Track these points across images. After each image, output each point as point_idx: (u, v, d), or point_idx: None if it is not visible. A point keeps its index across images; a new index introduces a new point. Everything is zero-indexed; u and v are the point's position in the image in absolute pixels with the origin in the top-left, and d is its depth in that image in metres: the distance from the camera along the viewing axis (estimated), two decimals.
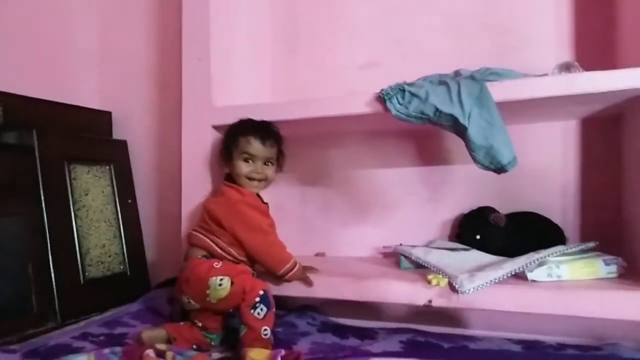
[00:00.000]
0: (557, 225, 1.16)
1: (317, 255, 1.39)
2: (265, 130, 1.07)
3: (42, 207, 1.15)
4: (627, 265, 0.98)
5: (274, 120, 1.11)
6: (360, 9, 1.39)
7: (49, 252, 1.14)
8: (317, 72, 1.43)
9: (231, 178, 1.09)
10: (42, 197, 1.16)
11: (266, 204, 1.11)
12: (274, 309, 0.94)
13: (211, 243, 1.02)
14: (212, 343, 1.00)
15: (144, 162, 1.51)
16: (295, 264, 1.04)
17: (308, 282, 1.06)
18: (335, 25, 1.42)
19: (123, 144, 1.48)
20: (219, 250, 1.02)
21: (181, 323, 1.02)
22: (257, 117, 1.11)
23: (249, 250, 1.03)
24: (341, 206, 1.40)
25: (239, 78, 1.31)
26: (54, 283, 1.13)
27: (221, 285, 0.92)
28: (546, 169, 1.21)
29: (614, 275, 0.97)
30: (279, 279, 1.05)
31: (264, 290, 0.93)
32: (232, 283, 0.93)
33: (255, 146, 1.04)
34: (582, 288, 0.91)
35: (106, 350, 0.80)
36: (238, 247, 1.03)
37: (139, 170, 1.50)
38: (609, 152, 1.16)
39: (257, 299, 0.91)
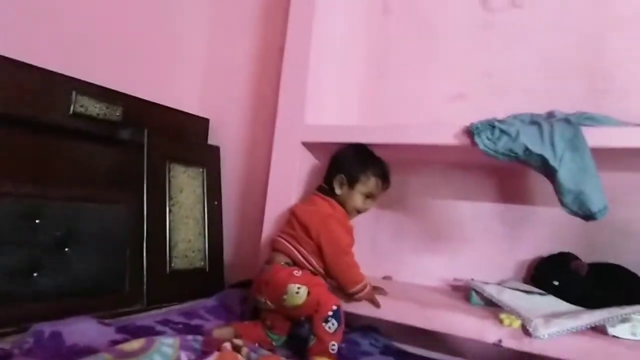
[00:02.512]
0: None
1: (384, 278, 1.41)
2: (389, 178, 1.17)
3: (143, 199, 1.28)
4: None
5: (361, 141, 1.16)
6: (454, 42, 1.41)
7: (144, 240, 1.25)
8: (404, 99, 1.46)
9: (324, 190, 1.15)
10: (145, 190, 1.28)
11: (351, 225, 1.16)
12: (343, 325, 0.97)
13: (295, 251, 1.08)
14: (274, 343, 1.05)
15: (234, 168, 1.62)
16: (366, 286, 1.08)
17: (376, 304, 1.09)
18: (426, 55, 1.45)
19: (216, 149, 1.60)
20: (301, 259, 1.07)
21: (247, 322, 1.08)
22: (345, 137, 1.17)
23: (327, 264, 1.08)
24: (414, 233, 1.41)
25: (330, 98, 1.38)
26: (144, 269, 1.24)
27: (298, 293, 0.97)
28: (637, 221, 1.16)
29: None
30: (349, 296, 1.08)
31: (337, 305, 0.97)
32: (308, 293, 0.97)
33: (379, 190, 1.16)
34: None
35: (189, 337, 0.87)
36: (318, 257, 1.08)
37: (227, 175, 1.61)
38: None
39: (330, 313, 0.95)
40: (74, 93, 1.18)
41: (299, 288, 0.98)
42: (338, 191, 1.13)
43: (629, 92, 1.19)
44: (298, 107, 1.27)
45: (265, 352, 0.89)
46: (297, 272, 1.03)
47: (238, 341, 0.88)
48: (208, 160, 1.54)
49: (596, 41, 1.24)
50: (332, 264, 1.07)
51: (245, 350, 0.86)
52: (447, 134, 1.07)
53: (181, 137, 1.51)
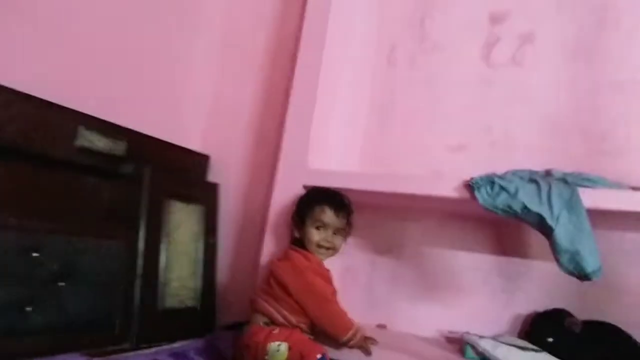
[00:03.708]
0: (637, 342, 1.10)
1: (378, 326, 1.40)
2: (339, 202, 1.14)
3: (138, 235, 1.27)
4: None
5: (362, 189, 1.18)
6: (456, 96, 1.46)
7: (138, 277, 1.24)
8: (405, 149, 1.49)
9: (298, 242, 1.15)
10: (143, 225, 1.28)
11: (328, 271, 1.15)
12: None
13: (273, 310, 1.07)
14: None
15: (232, 207, 1.62)
16: (357, 332, 1.06)
17: (367, 352, 1.07)
18: (428, 107, 1.49)
19: (215, 186, 1.61)
20: (280, 318, 1.06)
21: None
22: (346, 184, 1.19)
23: (312, 318, 1.06)
24: (410, 281, 1.41)
25: (333, 144, 1.41)
26: (136, 307, 1.22)
27: (279, 350, 0.97)
28: (632, 281, 1.17)
29: None
30: (344, 345, 1.07)
31: (321, 354, 0.96)
32: (289, 348, 0.97)
33: (329, 215, 1.12)
34: None
35: None
36: (299, 315, 1.07)
37: (225, 213, 1.61)
38: None
39: None
40: (80, 127, 1.19)
41: (279, 345, 0.97)
42: (296, 234, 1.14)
43: (625, 153, 1.23)
44: (302, 150, 1.29)
45: None
46: (275, 330, 1.02)
47: None
48: (207, 197, 1.55)
49: (592, 102, 1.29)
50: (318, 316, 1.06)
51: None
52: (447, 187, 1.09)
53: (182, 173, 1.52)
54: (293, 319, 1.06)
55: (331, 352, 1.05)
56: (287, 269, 1.10)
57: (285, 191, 1.29)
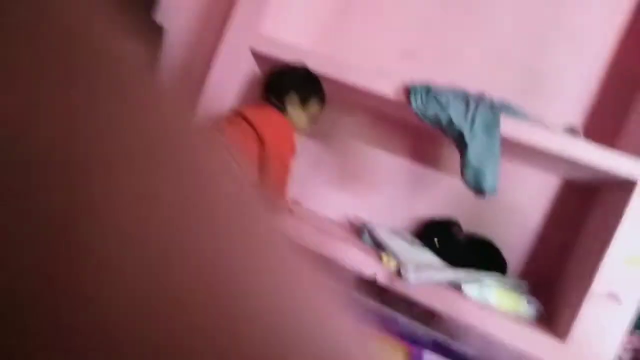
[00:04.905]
0: (504, 258, 1.29)
1: (293, 201, 1.50)
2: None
3: None
4: (544, 315, 1.12)
5: (310, 68, 1.19)
6: (418, 2, 1.45)
7: None
8: (360, 45, 1.49)
9: (277, 105, 1.14)
10: None
11: None
12: None
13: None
14: None
15: (176, 54, 1.57)
16: (288, 203, 1.18)
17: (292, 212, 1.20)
18: (392, 7, 1.48)
19: (160, 29, 1.52)
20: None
21: None
22: (295, 58, 1.18)
23: (268, 173, 1.08)
24: (330, 167, 1.50)
25: (292, 15, 1.37)
26: None
27: None
28: (517, 208, 1.33)
29: (530, 316, 1.11)
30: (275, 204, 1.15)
31: None
32: None
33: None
34: (498, 314, 1.05)
35: None
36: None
37: (168, 59, 1.56)
38: (576, 216, 1.28)
39: None
40: None
41: None
42: (290, 109, 1.14)
43: (554, 97, 1.33)
44: (256, 12, 1.25)
45: None
46: None
47: None
48: (150, 38, 1.47)
49: (538, 41, 1.35)
50: (275, 178, 1.10)
51: None
52: (388, 86, 1.13)
53: (123, 6, 1.41)
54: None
55: None
56: (270, 121, 1.10)
57: (232, 51, 1.26)
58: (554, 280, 1.26)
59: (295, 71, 1.17)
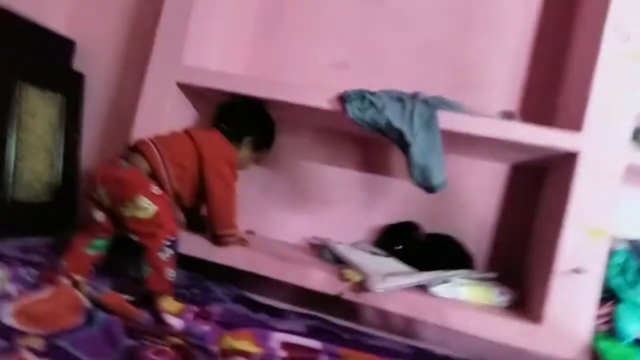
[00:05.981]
0: (469, 252, 1.27)
1: (247, 232, 1.44)
2: None
3: None
4: (517, 300, 1.11)
5: (236, 91, 1.16)
6: (345, 11, 1.45)
7: None
8: (290, 60, 1.47)
9: (227, 133, 1.14)
10: None
11: None
12: (176, 257, 0.99)
13: (161, 163, 1.01)
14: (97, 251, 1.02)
15: (99, 100, 1.49)
16: (237, 232, 1.12)
17: (245, 244, 1.15)
18: (317, 20, 1.47)
19: (80, 76, 1.46)
20: (164, 176, 1.01)
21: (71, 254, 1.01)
22: (225, 86, 1.15)
23: (212, 197, 1.06)
24: (281, 191, 1.46)
25: (214, 44, 1.33)
26: None
27: (147, 209, 0.94)
28: (471, 201, 1.33)
29: (504, 304, 1.09)
30: (218, 238, 1.09)
31: (176, 236, 0.98)
32: (156, 213, 0.94)
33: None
34: (471, 307, 1.02)
35: (22, 270, 0.80)
36: (185, 185, 1.05)
37: (91, 106, 1.48)
38: (529, 199, 1.29)
39: (168, 243, 0.95)
40: None
41: (149, 205, 0.94)
42: (242, 148, 1.16)
43: (484, 87, 1.35)
44: (177, 44, 1.21)
45: (106, 289, 0.86)
46: (154, 189, 0.98)
47: (78, 277, 0.84)
48: (70, 87, 1.40)
49: (462, 36, 1.37)
50: (219, 199, 1.06)
51: (85, 287, 0.82)
52: (321, 98, 1.11)
53: (39, 57, 1.34)
54: (176, 184, 1.03)
55: (202, 252, 1.10)
56: (212, 141, 1.09)
57: (157, 86, 1.21)
58: (520, 265, 1.25)
59: (257, 114, 1.19)
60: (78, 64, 1.48)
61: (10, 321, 0.68)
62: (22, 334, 0.67)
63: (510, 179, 1.33)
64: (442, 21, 1.39)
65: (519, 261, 1.26)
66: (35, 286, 0.78)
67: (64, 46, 1.45)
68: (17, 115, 1.21)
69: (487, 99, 1.32)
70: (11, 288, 0.75)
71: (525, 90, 1.33)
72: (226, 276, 1.26)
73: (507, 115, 1.14)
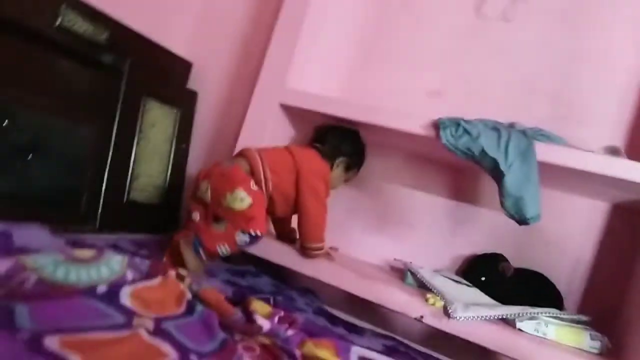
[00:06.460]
0: (559, 291, 1.22)
1: (331, 248, 1.48)
2: None
3: (114, 125, 1.29)
4: (612, 348, 1.04)
5: (334, 114, 1.23)
6: (442, 40, 1.48)
7: (108, 165, 1.27)
8: (384, 88, 1.52)
9: (323, 153, 1.21)
10: (117, 117, 1.29)
11: None
12: (246, 250, 1.08)
13: (260, 165, 1.09)
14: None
15: (208, 117, 1.65)
16: (324, 247, 1.17)
17: (330, 259, 1.19)
18: (414, 49, 1.51)
19: (194, 94, 1.62)
20: (261, 177, 1.08)
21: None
22: (320, 107, 1.23)
23: (305, 211, 1.13)
24: (367, 212, 1.49)
25: (315, 69, 1.42)
26: (102, 192, 1.26)
27: (243, 200, 1.00)
28: (566, 238, 1.27)
29: (596, 351, 1.03)
30: (306, 250, 1.15)
31: (262, 233, 1.02)
32: (250, 205, 1.01)
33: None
34: (560, 350, 0.97)
35: (137, 259, 0.91)
36: (277, 192, 1.11)
37: (201, 122, 1.63)
38: (630, 241, 1.21)
39: (252, 232, 1.01)
40: (63, 5, 1.17)
41: (245, 197, 1.01)
42: (335, 169, 1.22)
43: (586, 121, 1.30)
44: (283, 68, 1.31)
45: (206, 284, 0.94)
46: (255, 187, 1.05)
47: (183, 271, 0.93)
48: (184, 103, 1.56)
49: (566, 69, 1.34)
50: (312, 214, 1.13)
51: (188, 280, 0.91)
52: (415, 123, 1.14)
53: (162, 75, 1.51)
54: (271, 189, 1.09)
55: (289, 262, 1.17)
56: (310, 158, 1.17)
57: (261, 107, 1.32)
58: (617, 310, 1.17)
59: (351, 138, 1.26)
60: (193, 82, 1.65)
61: (128, 302, 0.78)
62: (136, 314, 0.76)
63: (611, 219, 1.26)
64: (544, 53, 1.37)
65: (615, 307, 1.18)
66: (147, 275, 0.88)
67: (183, 66, 1.62)
68: (140, 125, 1.38)
69: (590, 134, 1.28)
70: (129, 273, 0.85)
71: (633, 126, 1.27)
72: (305, 289, 1.31)
73: (612, 151, 1.09)
